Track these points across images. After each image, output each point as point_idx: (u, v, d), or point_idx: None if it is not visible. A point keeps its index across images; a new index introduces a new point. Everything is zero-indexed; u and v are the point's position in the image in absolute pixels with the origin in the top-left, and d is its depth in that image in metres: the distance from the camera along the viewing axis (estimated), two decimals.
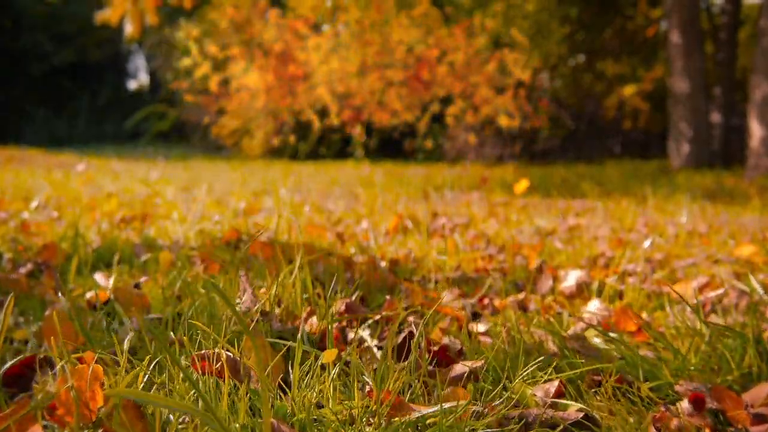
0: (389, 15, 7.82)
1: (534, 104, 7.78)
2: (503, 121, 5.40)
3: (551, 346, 0.96)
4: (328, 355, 0.77)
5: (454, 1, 9.47)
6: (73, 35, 11.62)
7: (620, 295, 1.39)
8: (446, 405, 0.68)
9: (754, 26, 11.42)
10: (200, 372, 0.73)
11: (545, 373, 0.81)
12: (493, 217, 2.81)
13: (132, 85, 16.09)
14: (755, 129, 4.81)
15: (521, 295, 1.38)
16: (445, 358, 0.88)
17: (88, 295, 1.20)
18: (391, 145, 9.81)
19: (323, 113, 9.56)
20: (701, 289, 1.35)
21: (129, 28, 5.28)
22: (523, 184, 3.56)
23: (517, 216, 2.83)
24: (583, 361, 0.85)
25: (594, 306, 1.20)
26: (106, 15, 5.08)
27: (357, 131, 6.11)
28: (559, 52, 8.07)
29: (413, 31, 5.62)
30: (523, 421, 0.70)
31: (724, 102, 7.07)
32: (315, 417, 0.71)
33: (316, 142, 9.71)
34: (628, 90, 6.98)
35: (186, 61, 5.86)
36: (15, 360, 0.81)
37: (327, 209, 3.23)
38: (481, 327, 1.09)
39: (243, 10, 5.96)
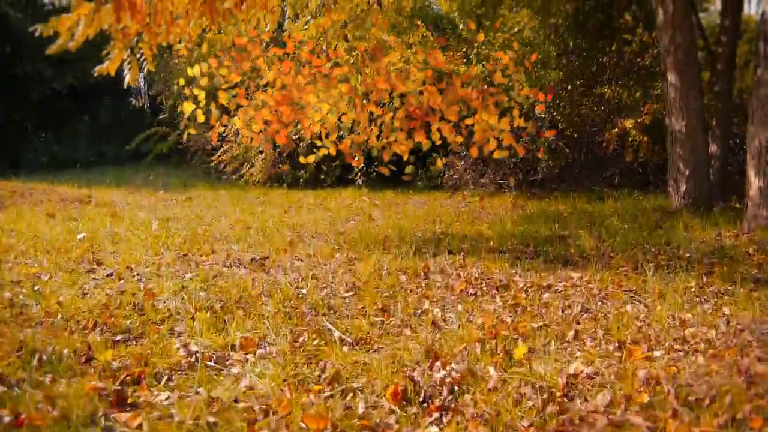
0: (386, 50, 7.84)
1: (531, 135, 7.80)
2: (497, 154, 5.42)
3: None
4: None
5: (452, 30, 9.51)
6: (73, 60, 11.64)
7: None
8: None
9: (750, 43, 11.42)
10: None
11: None
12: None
13: (133, 102, 16.11)
14: (753, 179, 4.82)
15: None
16: None
17: None
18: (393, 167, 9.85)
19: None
20: None
21: (127, 76, 5.28)
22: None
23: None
24: None
25: None
26: (103, 69, 5.08)
27: (356, 161, 6.14)
28: (557, 78, 8.09)
29: (412, 81, 5.65)
30: None
31: (721, 133, 7.06)
32: None
33: (316, 168, 9.73)
34: (628, 123, 6.98)
35: (187, 107, 5.89)
36: None
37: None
38: None
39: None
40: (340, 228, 5.97)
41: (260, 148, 9.93)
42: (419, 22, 9.46)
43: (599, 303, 3.06)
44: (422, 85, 5.77)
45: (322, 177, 9.72)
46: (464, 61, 8.84)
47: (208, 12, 5.45)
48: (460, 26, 8.69)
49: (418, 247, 4.60)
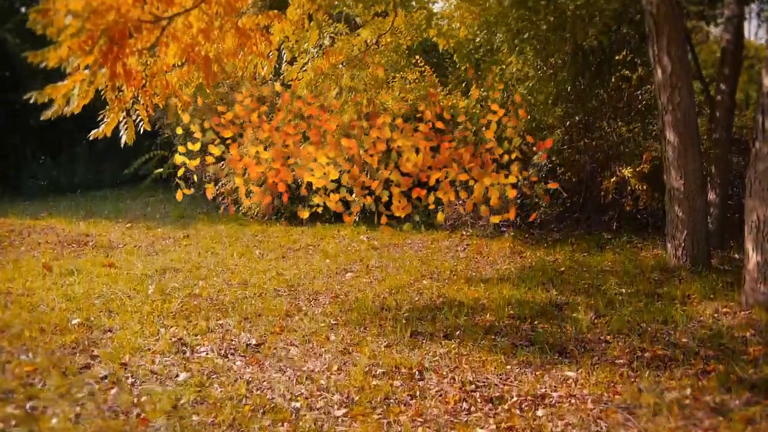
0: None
1: (529, 180, 7.77)
2: (494, 201, 5.41)
3: None
4: None
5: (453, 66, 9.48)
6: None
7: None
8: None
9: (750, 71, 11.39)
10: None
11: None
12: None
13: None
14: (750, 253, 4.80)
15: None
16: None
17: None
18: (391, 204, 9.81)
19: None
20: None
21: (124, 137, 5.27)
22: None
23: None
24: None
25: None
26: (99, 132, 5.09)
27: (349, 218, 6.15)
28: (556, 118, 8.05)
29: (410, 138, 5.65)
30: None
31: (720, 181, 7.05)
32: None
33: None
34: (627, 171, 6.96)
35: (177, 158, 5.90)
36: None
37: None
38: None
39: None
40: (338, 287, 5.95)
41: (259, 182, 9.91)
42: (417, 57, 9.43)
43: (593, 425, 3.03)
44: (419, 141, 5.77)
45: (320, 212, 9.68)
46: (464, 98, 8.82)
47: (204, 76, 5.43)
48: (460, 68, 8.66)
49: (414, 327, 4.57)
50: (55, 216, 10.69)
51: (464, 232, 8.56)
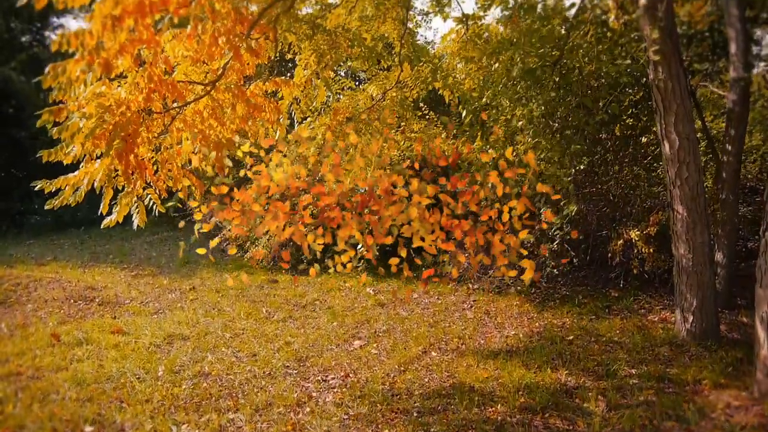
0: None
1: (537, 237, 7.78)
2: (504, 270, 5.40)
3: None
4: None
5: (456, 119, 9.49)
6: None
7: None
8: None
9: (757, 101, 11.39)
10: None
11: None
12: None
13: None
14: (763, 342, 4.80)
15: None
16: None
17: None
18: (396, 254, 9.83)
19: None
20: None
21: (136, 220, 5.28)
22: None
23: None
24: None
25: None
26: (111, 221, 5.09)
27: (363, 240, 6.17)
28: (563, 178, 8.02)
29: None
30: None
31: (728, 242, 7.05)
32: None
33: (320, 252, 9.68)
34: (633, 234, 6.96)
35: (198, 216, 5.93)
36: None
37: None
38: None
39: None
40: (346, 361, 5.94)
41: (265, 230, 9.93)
42: (422, 105, 9.47)
43: None
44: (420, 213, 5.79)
45: (326, 261, 9.68)
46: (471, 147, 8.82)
47: (215, 159, 5.45)
48: (465, 119, 8.66)
49: (425, 423, 4.56)
50: (60, 260, 10.71)
51: (470, 285, 8.56)
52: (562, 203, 7.73)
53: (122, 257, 10.95)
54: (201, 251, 5.52)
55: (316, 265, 5.97)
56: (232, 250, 7.23)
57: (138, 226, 5.63)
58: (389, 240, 6.11)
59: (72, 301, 8.10)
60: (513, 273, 5.40)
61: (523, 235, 5.21)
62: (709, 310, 6.02)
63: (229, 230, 10.44)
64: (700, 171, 5.97)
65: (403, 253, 5.22)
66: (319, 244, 5.55)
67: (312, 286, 8.89)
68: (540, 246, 7.92)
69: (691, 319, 6.04)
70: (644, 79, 7.19)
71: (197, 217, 6.19)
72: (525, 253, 5.09)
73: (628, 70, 6.53)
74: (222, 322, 7.26)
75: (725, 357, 5.63)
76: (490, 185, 5.52)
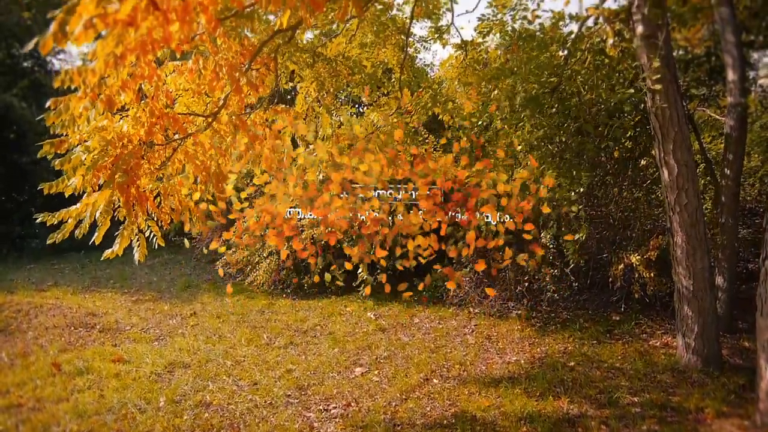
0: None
1: (539, 260, 7.80)
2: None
3: None
4: None
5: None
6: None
7: None
8: None
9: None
10: None
11: None
12: None
13: None
14: (764, 372, 4.79)
15: None
16: None
17: None
18: (397, 279, 9.85)
19: (326, 249, 9.59)
20: None
21: (136, 254, 5.29)
22: None
23: None
24: None
25: None
26: (111, 253, 5.10)
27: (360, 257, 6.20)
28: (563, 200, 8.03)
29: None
30: None
31: (728, 266, 7.06)
32: None
33: (320, 274, 9.71)
34: (634, 258, 6.97)
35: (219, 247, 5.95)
36: None
37: None
38: None
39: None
40: (348, 389, 5.92)
41: (265, 253, 9.95)
42: (422, 129, 9.52)
43: None
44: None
45: (326, 284, 9.68)
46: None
47: (216, 190, 5.47)
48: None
49: None
50: (61, 285, 10.71)
51: (471, 310, 8.55)
52: (563, 228, 7.75)
53: (123, 282, 10.94)
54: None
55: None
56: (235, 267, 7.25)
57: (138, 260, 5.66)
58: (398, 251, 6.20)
59: (73, 328, 8.09)
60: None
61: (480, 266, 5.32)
62: (711, 336, 6.01)
63: (231, 254, 10.46)
64: (699, 197, 6.00)
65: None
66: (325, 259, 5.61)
67: (313, 311, 8.88)
68: (541, 270, 7.95)
69: (692, 345, 6.04)
70: (642, 104, 7.24)
71: (214, 246, 6.23)
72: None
73: (629, 100, 6.59)
74: (223, 348, 7.24)
75: (727, 384, 5.62)
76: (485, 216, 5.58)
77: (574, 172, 7.22)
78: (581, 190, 8.17)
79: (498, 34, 6.93)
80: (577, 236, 7.14)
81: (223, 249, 6.54)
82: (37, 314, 8.66)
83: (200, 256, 12.46)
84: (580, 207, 7.28)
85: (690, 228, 5.89)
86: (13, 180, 13.20)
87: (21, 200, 13.56)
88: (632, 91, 6.06)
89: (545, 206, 6.36)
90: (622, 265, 7.21)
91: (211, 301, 9.57)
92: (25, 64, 14.02)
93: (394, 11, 8.46)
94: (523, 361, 6.62)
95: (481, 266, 5.79)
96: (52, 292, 10.11)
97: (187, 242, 6.84)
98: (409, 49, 8.80)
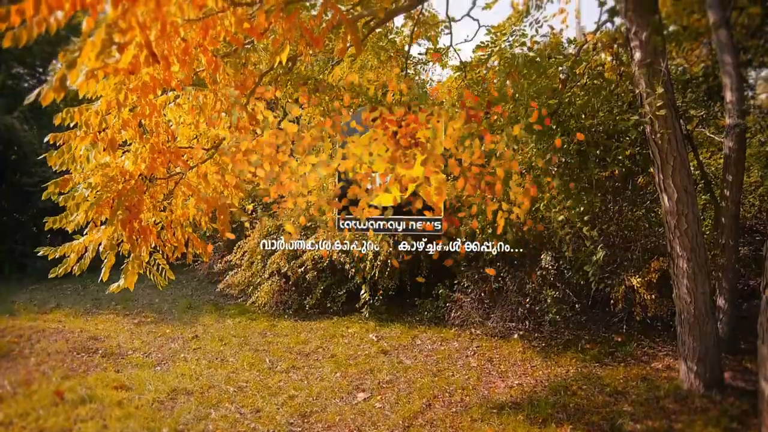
0: None
1: (540, 279, 7.81)
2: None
3: None
4: None
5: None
6: None
7: None
8: None
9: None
10: None
11: None
12: None
13: None
14: (767, 396, 4.80)
15: None
16: None
17: None
18: (399, 297, 9.86)
19: (327, 268, 9.63)
20: None
21: (158, 283, 5.30)
22: None
23: None
24: None
25: None
26: (117, 287, 5.13)
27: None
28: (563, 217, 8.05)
29: None
30: None
31: (729, 287, 7.07)
32: None
33: (322, 295, 9.74)
34: (635, 281, 6.98)
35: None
36: None
37: None
38: None
39: None
40: (350, 416, 5.92)
41: (267, 274, 9.97)
42: None
43: None
44: None
45: (328, 305, 9.70)
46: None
47: (220, 223, 5.49)
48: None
49: None
50: (63, 307, 10.73)
51: (473, 330, 8.55)
52: (564, 249, 7.75)
53: (125, 303, 10.95)
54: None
55: (312, 299, 5.98)
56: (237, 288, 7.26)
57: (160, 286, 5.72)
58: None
59: (75, 353, 8.09)
60: None
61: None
62: (713, 361, 6.02)
63: (233, 275, 10.48)
64: (699, 222, 6.02)
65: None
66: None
67: (315, 333, 8.89)
68: (542, 291, 7.96)
69: (695, 369, 6.04)
70: (641, 126, 7.28)
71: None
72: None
73: (630, 126, 6.62)
74: (225, 373, 7.25)
75: (730, 410, 5.62)
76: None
77: (584, 195, 7.23)
78: (580, 209, 8.20)
79: (497, 61, 6.97)
80: (595, 257, 7.16)
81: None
82: (39, 339, 8.66)
83: (201, 276, 12.49)
84: (596, 228, 7.30)
85: (690, 253, 5.91)
86: (15, 201, 13.24)
87: (23, 220, 13.59)
88: (636, 117, 6.09)
89: (557, 225, 6.38)
90: (623, 287, 7.21)
91: (213, 322, 9.57)
92: (26, 85, 14.11)
93: (393, 34, 8.53)
94: (525, 385, 6.62)
95: (492, 271, 5.80)
96: (54, 315, 10.12)
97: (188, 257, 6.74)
98: (409, 70, 8.87)
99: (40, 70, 14.34)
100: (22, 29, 2.80)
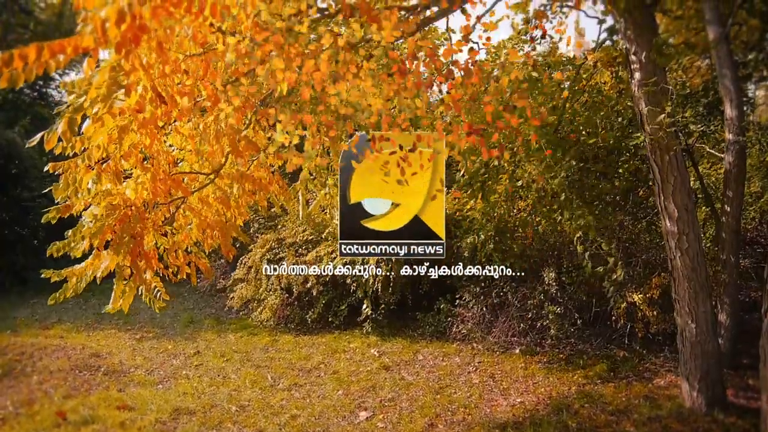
0: None
1: (540, 297, 7.81)
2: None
3: None
4: None
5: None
6: None
7: None
8: None
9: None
10: None
11: None
12: None
13: None
14: None
15: None
16: None
17: None
18: (400, 311, 9.87)
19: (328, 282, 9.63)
20: None
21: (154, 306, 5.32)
22: None
23: None
24: None
25: None
26: (112, 308, 5.14)
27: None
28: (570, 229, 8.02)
29: None
30: None
31: (730, 302, 7.07)
32: None
33: (324, 309, 9.75)
34: (637, 297, 6.99)
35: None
36: None
37: None
38: None
39: None
40: None
41: (269, 289, 9.98)
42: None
43: None
44: None
45: (330, 319, 9.70)
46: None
47: (222, 245, 5.50)
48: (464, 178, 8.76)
49: None
50: (64, 322, 10.75)
51: (475, 345, 8.55)
52: (585, 265, 7.70)
53: (126, 317, 10.95)
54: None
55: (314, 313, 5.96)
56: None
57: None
58: None
59: (77, 371, 8.10)
60: None
61: None
62: (715, 379, 6.02)
63: (241, 289, 10.49)
64: (700, 241, 6.03)
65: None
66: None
67: (317, 348, 8.89)
68: (543, 307, 7.96)
69: (697, 387, 6.04)
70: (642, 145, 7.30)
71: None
72: None
73: (634, 144, 6.64)
74: (227, 391, 7.25)
75: (732, 429, 5.62)
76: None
77: (597, 211, 7.25)
78: (581, 222, 8.20)
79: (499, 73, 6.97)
80: (615, 276, 7.16)
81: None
82: (41, 356, 8.67)
83: (203, 290, 12.49)
84: (612, 245, 7.30)
85: (691, 272, 5.92)
86: (15, 214, 13.26)
87: (23, 233, 13.60)
88: (641, 137, 6.11)
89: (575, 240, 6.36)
90: (624, 304, 7.22)
91: (215, 338, 9.58)
92: (26, 99, 14.14)
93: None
94: (527, 403, 6.62)
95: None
96: (55, 330, 10.13)
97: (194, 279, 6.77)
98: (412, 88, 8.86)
99: (41, 83, 14.38)
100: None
